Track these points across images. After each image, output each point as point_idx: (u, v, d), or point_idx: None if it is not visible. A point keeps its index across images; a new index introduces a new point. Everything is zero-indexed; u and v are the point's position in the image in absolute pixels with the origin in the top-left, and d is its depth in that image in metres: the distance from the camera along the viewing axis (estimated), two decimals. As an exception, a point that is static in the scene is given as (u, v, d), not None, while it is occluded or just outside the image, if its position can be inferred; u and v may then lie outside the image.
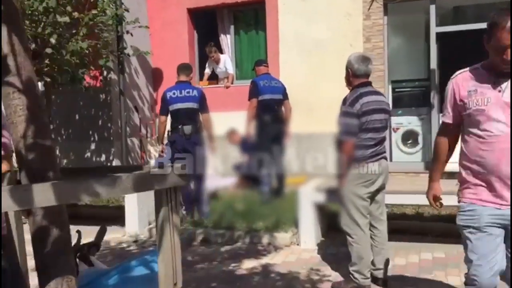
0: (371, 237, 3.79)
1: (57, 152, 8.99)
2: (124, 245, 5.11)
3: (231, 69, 9.17)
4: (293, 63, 8.69)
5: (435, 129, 8.02)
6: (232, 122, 7.84)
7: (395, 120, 8.37)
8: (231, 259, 4.50)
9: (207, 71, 9.34)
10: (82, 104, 8.71)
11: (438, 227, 5.13)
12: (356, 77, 3.68)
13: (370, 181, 3.61)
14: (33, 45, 6.26)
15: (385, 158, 3.73)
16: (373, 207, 3.77)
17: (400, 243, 4.83)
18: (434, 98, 8.04)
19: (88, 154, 8.76)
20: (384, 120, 3.68)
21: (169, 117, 6.03)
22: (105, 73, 7.85)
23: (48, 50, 6.11)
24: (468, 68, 2.57)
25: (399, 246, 4.72)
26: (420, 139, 8.27)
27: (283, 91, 7.00)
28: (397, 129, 8.39)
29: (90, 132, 8.71)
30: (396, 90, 8.42)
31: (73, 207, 6.34)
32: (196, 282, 3.93)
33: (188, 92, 6.00)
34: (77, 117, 8.78)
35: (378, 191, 3.72)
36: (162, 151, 6.09)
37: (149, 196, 5.16)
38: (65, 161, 8.94)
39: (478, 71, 2.53)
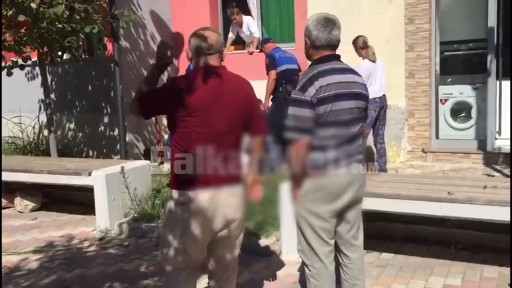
0: (341, 268, 2.80)
1: (73, 125, 8.55)
2: (86, 244, 4.45)
3: (256, 32, 8.15)
4: (323, 24, 7.48)
5: (492, 101, 6.62)
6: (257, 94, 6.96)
7: (443, 90, 7.05)
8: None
9: (230, 35, 8.39)
10: (95, 75, 8.12)
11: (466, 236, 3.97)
12: (316, 48, 2.62)
13: (334, 195, 2.60)
14: (10, 12, 5.63)
15: (359, 161, 2.67)
16: (342, 228, 2.76)
17: (415, 258, 3.80)
18: (492, 63, 6.59)
19: (102, 127, 8.23)
20: (356, 109, 2.60)
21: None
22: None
23: (21, 18, 5.44)
24: None
25: (413, 263, 3.71)
26: (473, 112, 6.89)
27: (297, 62, 6.77)
28: (446, 100, 7.07)
29: (103, 105, 8.14)
30: (446, 53, 7.03)
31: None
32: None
33: None
34: (90, 88, 8.23)
35: (348, 207, 2.69)
36: None
37: (120, 181, 4.40)
38: (80, 134, 8.50)
39: None
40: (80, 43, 6.26)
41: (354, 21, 7.23)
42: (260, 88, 7.17)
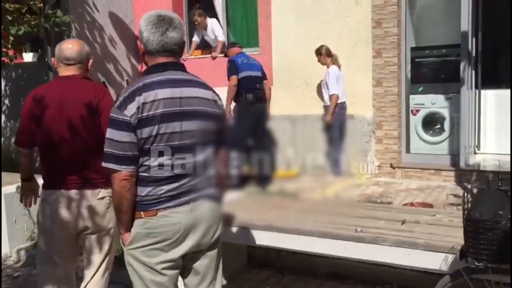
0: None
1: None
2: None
3: (220, 36, 7.61)
4: (287, 27, 6.95)
5: (466, 112, 5.96)
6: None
7: (414, 100, 6.43)
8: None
9: (195, 39, 7.89)
10: (47, 80, 7.65)
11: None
12: (150, 54, 2.07)
13: (170, 242, 2.04)
14: None
15: (210, 197, 2.11)
16: (190, 281, 2.20)
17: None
18: (466, 71, 5.95)
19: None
20: (200, 133, 2.05)
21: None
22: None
23: None
24: None
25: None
26: (446, 124, 6.25)
27: (261, 69, 6.34)
28: (417, 111, 6.43)
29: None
30: (416, 60, 6.40)
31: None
32: None
33: None
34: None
35: (194, 255, 2.13)
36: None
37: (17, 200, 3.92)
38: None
39: None
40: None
41: (319, 25, 6.68)
42: (225, 94, 6.66)
